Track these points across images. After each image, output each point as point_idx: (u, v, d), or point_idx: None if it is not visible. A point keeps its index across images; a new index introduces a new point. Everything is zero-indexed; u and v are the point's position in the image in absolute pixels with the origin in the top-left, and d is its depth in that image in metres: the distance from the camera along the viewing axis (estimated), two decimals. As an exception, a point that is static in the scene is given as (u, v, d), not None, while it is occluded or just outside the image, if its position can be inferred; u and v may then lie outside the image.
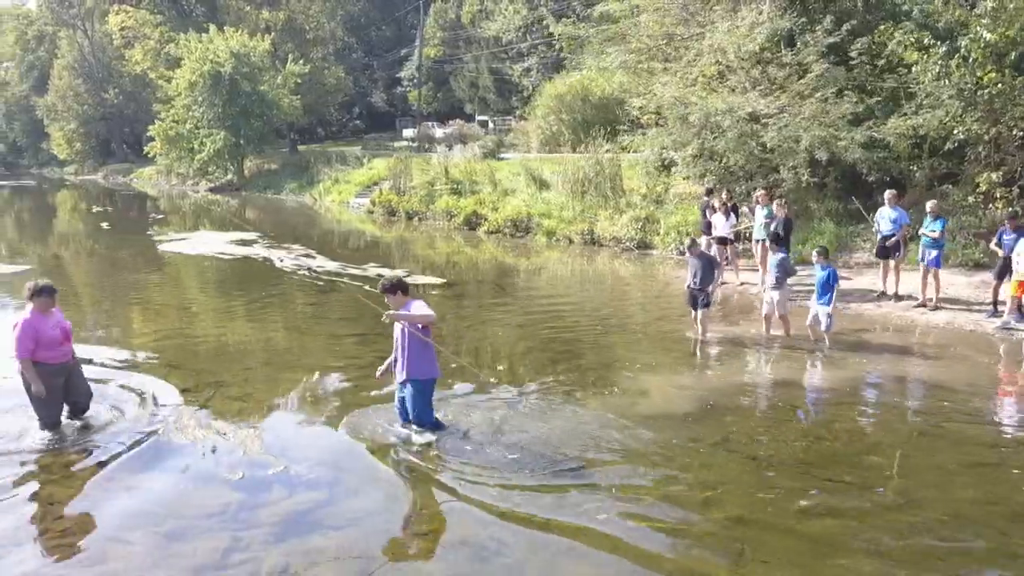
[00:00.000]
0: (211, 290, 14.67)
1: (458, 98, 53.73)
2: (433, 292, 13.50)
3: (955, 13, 13.56)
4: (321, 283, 14.49)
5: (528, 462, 6.19)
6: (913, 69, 13.66)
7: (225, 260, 17.83)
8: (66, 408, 6.89)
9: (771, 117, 14.63)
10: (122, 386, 7.94)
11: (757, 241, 13.30)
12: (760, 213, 13.19)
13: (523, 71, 46.30)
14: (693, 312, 10.04)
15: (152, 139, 43.19)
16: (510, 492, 5.72)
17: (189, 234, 22.93)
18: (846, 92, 14.41)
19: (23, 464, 6.24)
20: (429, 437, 6.53)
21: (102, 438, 6.74)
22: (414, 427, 6.62)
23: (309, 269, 15.93)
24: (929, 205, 11.50)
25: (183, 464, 6.28)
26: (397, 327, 6.49)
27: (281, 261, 17.07)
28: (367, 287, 13.63)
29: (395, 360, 6.55)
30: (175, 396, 7.78)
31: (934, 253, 11.12)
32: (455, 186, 25.31)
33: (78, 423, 6.90)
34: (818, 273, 9.75)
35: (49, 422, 6.75)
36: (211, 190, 42.13)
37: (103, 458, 6.38)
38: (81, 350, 7.74)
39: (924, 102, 13.63)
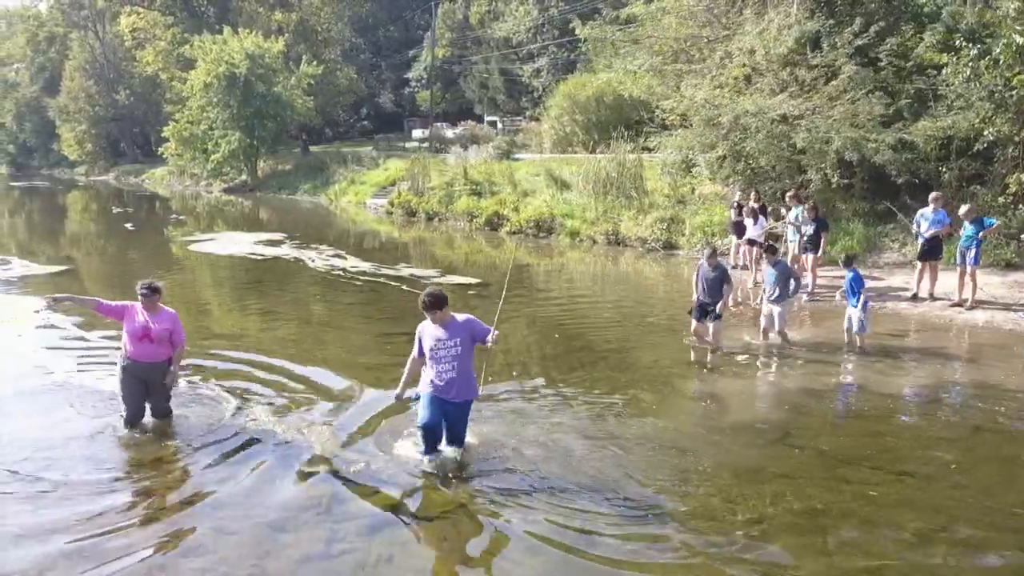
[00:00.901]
0: (253, 290, 14.78)
1: (467, 99, 53.95)
2: (470, 292, 13.71)
3: (984, 15, 13.74)
4: (359, 283, 14.69)
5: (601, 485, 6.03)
6: (943, 71, 13.83)
7: (257, 260, 18.03)
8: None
9: (801, 119, 14.80)
10: (190, 383, 8.14)
11: (789, 242, 13.51)
12: (792, 213, 13.39)
13: (533, 72, 46.50)
14: (694, 323, 9.75)
15: (166, 140, 43.47)
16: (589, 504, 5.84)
17: (215, 234, 23.16)
18: (875, 93, 14.58)
19: (114, 461, 6.44)
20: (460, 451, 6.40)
21: (183, 435, 6.93)
22: (451, 448, 6.41)
23: (343, 270, 16.12)
24: (963, 211, 11.53)
25: (267, 459, 6.43)
26: (447, 341, 6.11)
27: (312, 261, 17.27)
28: (404, 287, 13.93)
29: (451, 380, 6.13)
30: (245, 394, 7.97)
31: (973, 251, 11.26)
32: (474, 187, 25.47)
33: (159, 422, 7.12)
34: (848, 276, 9.97)
35: (127, 418, 6.99)
36: (225, 191, 42.38)
37: (190, 454, 6.57)
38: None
39: (954, 104, 13.80)
